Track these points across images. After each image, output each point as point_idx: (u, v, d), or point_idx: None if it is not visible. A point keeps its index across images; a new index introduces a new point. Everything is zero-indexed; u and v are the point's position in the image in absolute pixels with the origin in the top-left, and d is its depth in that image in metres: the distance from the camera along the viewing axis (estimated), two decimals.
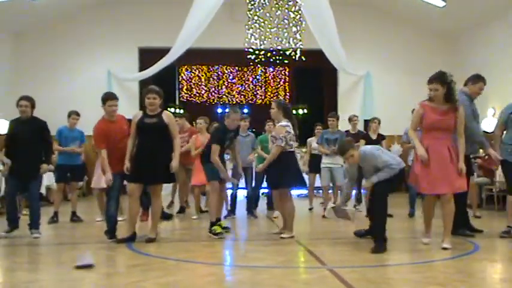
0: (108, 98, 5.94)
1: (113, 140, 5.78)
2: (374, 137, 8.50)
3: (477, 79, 6.21)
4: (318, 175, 8.96)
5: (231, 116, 6.33)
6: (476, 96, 6.22)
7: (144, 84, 15.16)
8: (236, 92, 19.50)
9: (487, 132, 13.08)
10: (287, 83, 19.19)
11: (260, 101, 19.31)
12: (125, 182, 5.84)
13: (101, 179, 6.75)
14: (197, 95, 19.36)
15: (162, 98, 5.72)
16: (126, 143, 5.68)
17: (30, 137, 5.92)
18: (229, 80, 19.56)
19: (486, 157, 10.37)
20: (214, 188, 6.19)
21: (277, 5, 11.08)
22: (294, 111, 19.40)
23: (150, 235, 5.62)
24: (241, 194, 8.88)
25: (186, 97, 19.07)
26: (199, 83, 19.42)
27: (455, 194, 5.21)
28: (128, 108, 12.66)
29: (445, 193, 5.09)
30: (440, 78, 5.20)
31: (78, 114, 7.94)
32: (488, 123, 13.33)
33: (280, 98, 18.41)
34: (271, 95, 19.15)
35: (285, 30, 11.22)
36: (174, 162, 5.60)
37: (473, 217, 8.00)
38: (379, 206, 5.27)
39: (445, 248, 4.94)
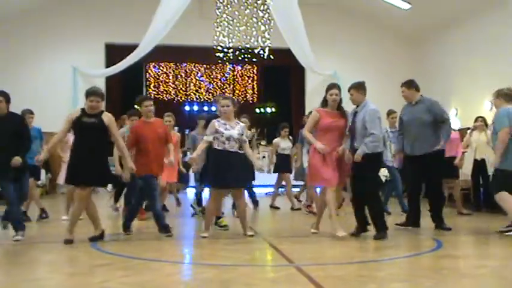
0: (144, 99, 6.17)
1: (146, 140, 5.89)
2: None
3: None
4: (288, 174, 9.15)
5: (220, 102, 6.10)
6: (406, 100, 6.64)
7: (110, 80, 14.95)
8: (204, 89, 19.41)
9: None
10: (255, 82, 19.22)
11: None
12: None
13: None
14: (165, 92, 19.17)
15: (103, 100, 5.69)
16: (159, 146, 5.99)
17: (8, 134, 5.43)
18: (197, 78, 19.44)
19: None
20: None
21: (245, 3, 11.08)
22: (262, 110, 19.63)
23: (94, 233, 5.55)
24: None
25: (154, 94, 18.86)
26: (167, 81, 19.25)
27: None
28: None
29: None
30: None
31: (32, 113, 7.70)
32: (451, 123, 13.65)
33: (247, 97, 18.50)
34: (240, 93, 19.14)
35: (253, 29, 11.24)
36: (130, 164, 5.67)
37: (458, 214, 8.24)
38: (373, 200, 5.67)
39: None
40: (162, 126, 6.22)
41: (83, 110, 5.47)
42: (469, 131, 9.18)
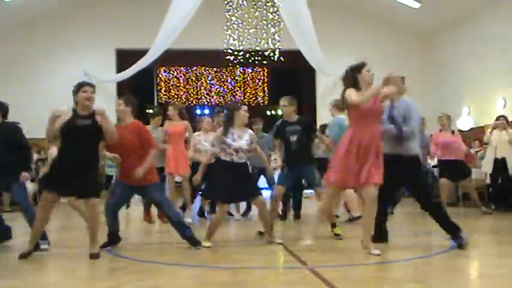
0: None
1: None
2: None
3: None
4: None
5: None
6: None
7: (121, 85, 15.06)
8: (215, 93, 19.45)
9: (463, 131, 13.35)
10: (266, 84, 19.21)
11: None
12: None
13: None
14: (176, 96, 19.24)
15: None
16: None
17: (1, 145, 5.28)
18: (207, 81, 19.49)
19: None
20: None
21: (255, 6, 11.11)
22: (273, 112, 19.61)
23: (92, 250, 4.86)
24: None
25: (165, 99, 18.93)
26: (178, 85, 19.31)
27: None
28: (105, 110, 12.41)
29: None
30: None
31: None
32: (464, 121, 13.58)
33: (258, 99, 18.53)
34: (250, 96, 19.15)
35: (263, 31, 11.26)
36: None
37: (482, 214, 8.19)
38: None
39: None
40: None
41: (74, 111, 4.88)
42: (489, 130, 9.15)
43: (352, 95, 4.78)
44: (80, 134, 4.71)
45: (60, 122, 4.74)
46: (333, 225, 5.92)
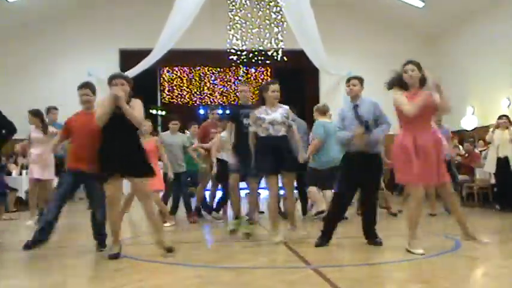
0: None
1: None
2: None
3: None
4: None
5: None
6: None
7: None
8: (218, 93, 19.46)
9: (467, 130, 13.31)
10: None
11: None
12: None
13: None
14: (179, 96, 19.26)
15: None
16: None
17: None
18: (211, 81, 19.50)
19: (467, 155, 10.55)
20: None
21: (258, 6, 11.11)
22: None
23: (163, 245, 4.95)
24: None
25: (168, 99, 18.96)
26: (181, 85, 19.33)
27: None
28: None
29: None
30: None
31: (56, 108, 7.97)
32: (468, 121, 13.53)
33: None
34: (254, 96, 19.12)
35: (266, 31, 11.26)
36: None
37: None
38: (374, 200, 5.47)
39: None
40: None
41: None
42: (491, 129, 9.14)
43: (403, 102, 4.79)
44: (118, 121, 4.71)
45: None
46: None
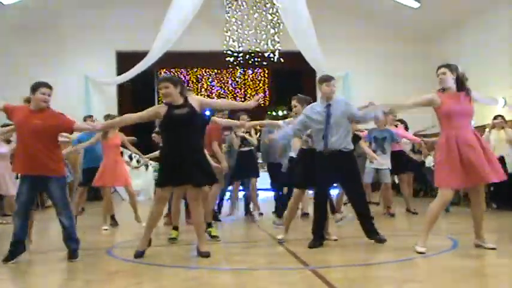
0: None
1: None
2: None
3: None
4: None
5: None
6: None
7: (122, 88, 15.08)
8: (215, 94, 19.46)
9: None
10: (266, 85, 19.22)
11: (240, 103, 19.31)
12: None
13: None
14: None
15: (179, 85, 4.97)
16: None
17: None
18: (208, 83, 19.50)
19: None
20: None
21: (254, 8, 11.12)
22: (274, 113, 19.63)
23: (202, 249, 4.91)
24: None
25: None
26: None
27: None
28: (106, 112, 12.39)
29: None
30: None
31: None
32: None
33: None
34: (251, 97, 19.13)
35: (263, 33, 11.27)
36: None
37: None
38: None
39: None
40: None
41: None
42: (487, 129, 9.19)
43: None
44: (178, 123, 4.76)
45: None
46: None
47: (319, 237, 5.31)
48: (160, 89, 4.85)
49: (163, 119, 4.83)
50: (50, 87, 5.05)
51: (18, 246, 4.75)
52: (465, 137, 4.74)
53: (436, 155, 4.94)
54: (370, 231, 5.37)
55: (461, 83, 5.01)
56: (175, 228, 6.04)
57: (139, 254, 4.81)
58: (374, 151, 7.87)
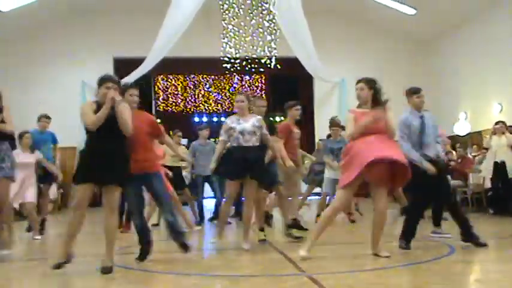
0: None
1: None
2: None
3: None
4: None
5: (256, 103, 6.19)
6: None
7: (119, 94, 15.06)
8: (213, 100, 19.50)
9: (460, 136, 13.38)
10: (264, 91, 19.26)
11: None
12: None
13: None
14: (174, 104, 19.28)
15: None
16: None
17: None
18: (205, 89, 19.54)
19: (459, 160, 10.61)
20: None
21: (251, 14, 11.15)
22: (271, 119, 19.66)
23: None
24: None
25: (163, 107, 18.98)
26: (176, 92, 19.36)
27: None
28: None
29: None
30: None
31: (47, 117, 7.89)
32: (461, 126, 13.62)
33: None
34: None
35: (259, 39, 11.30)
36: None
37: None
38: None
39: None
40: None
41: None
42: (488, 135, 9.26)
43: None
44: (106, 124, 4.49)
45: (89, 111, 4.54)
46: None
47: (409, 239, 5.38)
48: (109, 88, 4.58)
49: None
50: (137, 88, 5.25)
51: (148, 245, 4.99)
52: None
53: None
54: (471, 235, 5.43)
55: (377, 99, 4.94)
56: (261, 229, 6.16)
57: (55, 267, 4.43)
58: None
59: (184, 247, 5.08)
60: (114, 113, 4.48)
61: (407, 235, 5.36)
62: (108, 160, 4.44)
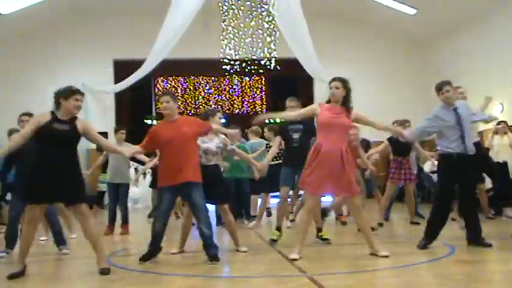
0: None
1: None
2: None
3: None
4: None
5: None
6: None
7: (120, 96, 15.10)
8: (213, 102, 19.50)
9: None
10: (264, 92, 19.27)
11: (237, 110, 19.36)
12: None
13: None
14: None
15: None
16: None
17: None
18: (205, 91, 19.55)
19: None
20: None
21: (250, 16, 11.15)
22: (272, 120, 19.65)
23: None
24: None
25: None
26: (176, 94, 19.34)
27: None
28: (103, 121, 12.47)
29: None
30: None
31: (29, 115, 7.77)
32: None
33: (256, 107, 18.59)
34: (249, 105, 19.20)
35: (259, 40, 11.30)
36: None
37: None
38: None
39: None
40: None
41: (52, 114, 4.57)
42: (490, 135, 9.26)
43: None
44: (58, 138, 4.42)
45: (33, 123, 4.43)
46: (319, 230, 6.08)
47: (430, 238, 5.43)
48: (78, 100, 4.62)
49: (42, 129, 4.41)
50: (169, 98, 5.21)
51: (157, 251, 5.04)
52: (330, 149, 4.89)
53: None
54: (478, 237, 5.41)
55: (346, 100, 5.13)
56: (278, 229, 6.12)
57: (12, 276, 4.35)
58: None
59: (215, 258, 4.92)
60: (68, 128, 4.45)
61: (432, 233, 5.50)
62: (60, 178, 4.34)
